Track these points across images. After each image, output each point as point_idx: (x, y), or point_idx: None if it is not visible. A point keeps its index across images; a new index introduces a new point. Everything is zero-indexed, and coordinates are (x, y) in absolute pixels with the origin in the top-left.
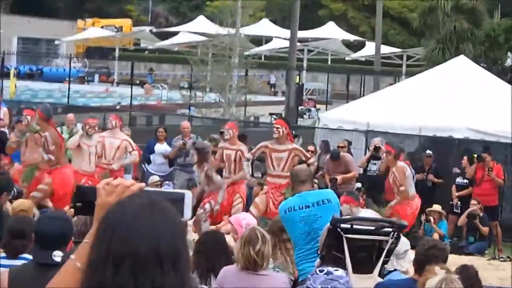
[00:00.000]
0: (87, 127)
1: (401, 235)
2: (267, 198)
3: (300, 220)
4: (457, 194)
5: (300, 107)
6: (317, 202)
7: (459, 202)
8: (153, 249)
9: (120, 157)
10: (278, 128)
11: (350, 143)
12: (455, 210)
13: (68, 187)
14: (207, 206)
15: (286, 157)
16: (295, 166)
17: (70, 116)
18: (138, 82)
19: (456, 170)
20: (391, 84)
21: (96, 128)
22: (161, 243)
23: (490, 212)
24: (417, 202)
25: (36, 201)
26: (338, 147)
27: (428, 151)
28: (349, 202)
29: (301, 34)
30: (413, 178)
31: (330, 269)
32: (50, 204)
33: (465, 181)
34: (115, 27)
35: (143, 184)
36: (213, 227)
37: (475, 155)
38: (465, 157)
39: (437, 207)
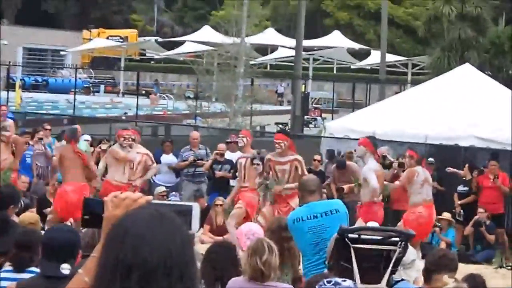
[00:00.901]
0: (122, 139)
1: (408, 245)
2: (273, 209)
3: (308, 230)
4: (459, 202)
5: (306, 116)
6: (325, 212)
7: (461, 211)
8: (163, 259)
9: (141, 171)
10: (280, 143)
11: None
12: (457, 218)
13: (63, 203)
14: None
15: (289, 168)
16: (304, 176)
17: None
18: (144, 92)
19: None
20: (396, 93)
21: (130, 140)
22: (171, 253)
23: (496, 220)
24: (421, 210)
25: (52, 222)
26: (342, 156)
27: (430, 159)
28: (366, 145)
29: (306, 43)
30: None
31: (338, 279)
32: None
33: (465, 188)
34: (121, 37)
35: (150, 197)
36: None
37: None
38: (466, 165)
39: (446, 215)
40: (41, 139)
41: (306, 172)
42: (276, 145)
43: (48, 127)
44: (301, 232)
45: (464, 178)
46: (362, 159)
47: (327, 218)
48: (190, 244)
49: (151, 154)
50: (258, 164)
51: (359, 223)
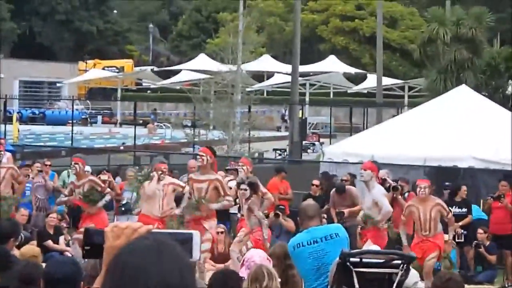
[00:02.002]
0: (160, 172)
1: (410, 267)
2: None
3: (309, 255)
4: (459, 224)
5: (304, 142)
6: (325, 237)
7: (462, 231)
8: None
9: (170, 203)
10: (202, 156)
11: (354, 176)
12: (457, 240)
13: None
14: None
15: (206, 187)
16: (303, 202)
17: None
18: (141, 122)
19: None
20: (393, 116)
21: (167, 172)
22: (169, 283)
23: (504, 240)
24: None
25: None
26: (342, 180)
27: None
28: (373, 170)
29: (302, 68)
30: None
31: None
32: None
33: (464, 210)
34: (117, 68)
35: (150, 226)
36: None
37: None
38: (463, 187)
39: (447, 237)
40: (40, 171)
41: (228, 192)
42: (199, 157)
43: (48, 162)
44: (302, 257)
45: (458, 200)
46: (367, 183)
47: (328, 243)
48: (190, 273)
49: (176, 181)
50: (245, 189)
51: (368, 245)
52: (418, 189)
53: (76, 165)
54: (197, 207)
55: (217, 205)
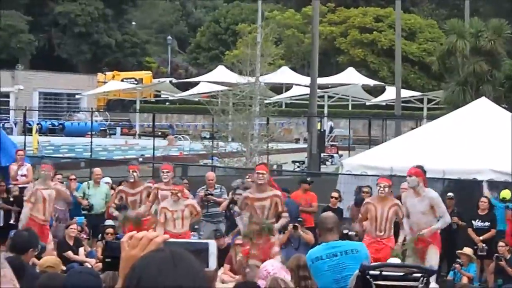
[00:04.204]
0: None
1: (430, 280)
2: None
3: (328, 269)
4: (481, 238)
5: (322, 154)
6: (345, 251)
7: (484, 246)
8: None
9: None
10: (264, 174)
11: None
12: (480, 253)
13: None
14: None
15: (269, 204)
16: (322, 214)
17: (97, 170)
18: (159, 133)
19: None
20: (412, 128)
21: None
22: None
23: None
24: None
25: None
26: (362, 192)
27: (449, 194)
28: (419, 175)
29: (320, 80)
30: None
31: None
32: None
33: (486, 224)
34: (135, 79)
35: (167, 236)
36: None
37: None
38: (484, 199)
39: (467, 250)
40: (61, 183)
41: (285, 208)
42: (260, 176)
43: (73, 176)
44: (320, 270)
45: (481, 214)
46: (415, 189)
47: (347, 257)
48: (205, 285)
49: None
50: (240, 195)
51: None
52: (378, 188)
53: (134, 173)
54: (260, 234)
55: (278, 225)
